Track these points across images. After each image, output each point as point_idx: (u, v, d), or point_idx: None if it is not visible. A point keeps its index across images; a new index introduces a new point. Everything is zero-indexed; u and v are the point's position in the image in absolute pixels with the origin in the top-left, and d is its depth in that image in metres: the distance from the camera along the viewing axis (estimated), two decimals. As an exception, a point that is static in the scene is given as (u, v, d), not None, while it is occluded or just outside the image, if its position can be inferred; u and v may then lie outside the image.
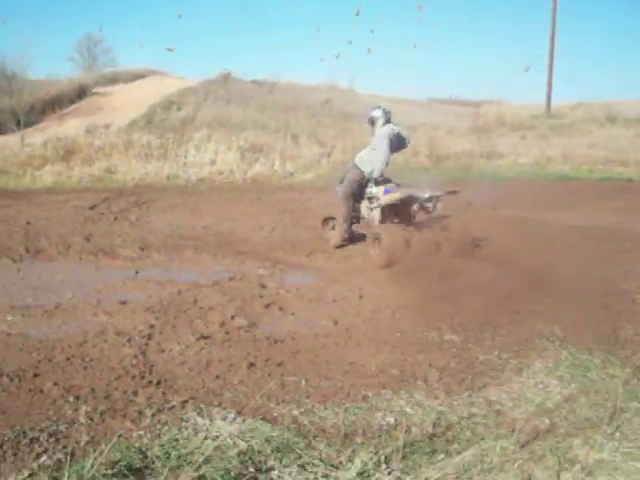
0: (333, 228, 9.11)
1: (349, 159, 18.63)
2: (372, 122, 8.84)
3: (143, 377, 4.37)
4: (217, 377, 4.39)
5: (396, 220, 8.39)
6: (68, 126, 24.01)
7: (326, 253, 8.53)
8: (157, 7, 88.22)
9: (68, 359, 4.72)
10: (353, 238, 8.94)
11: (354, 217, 8.87)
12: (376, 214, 8.41)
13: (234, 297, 6.35)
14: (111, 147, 18.32)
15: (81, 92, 35.22)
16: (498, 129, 26.84)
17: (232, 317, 5.71)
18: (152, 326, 5.44)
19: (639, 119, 28.10)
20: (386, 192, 8.35)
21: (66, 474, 2.94)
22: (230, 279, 7.07)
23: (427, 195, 8.28)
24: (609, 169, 18.91)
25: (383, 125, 8.62)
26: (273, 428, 3.53)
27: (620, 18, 77.00)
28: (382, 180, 8.56)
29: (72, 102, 33.63)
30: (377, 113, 8.79)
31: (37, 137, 21.60)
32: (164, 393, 4.08)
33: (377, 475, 2.96)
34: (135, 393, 4.08)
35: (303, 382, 4.33)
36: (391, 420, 3.70)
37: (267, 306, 6.12)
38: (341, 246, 8.77)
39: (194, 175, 15.91)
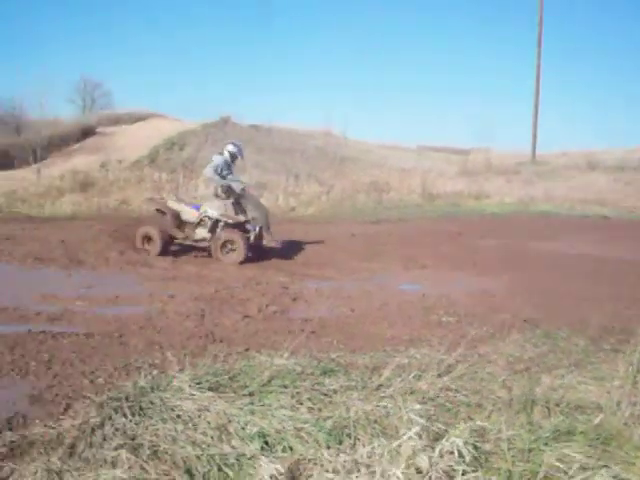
0: None
1: (348, 197, 20.09)
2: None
3: (207, 337, 5.60)
4: (265, 339, 5.60)
5: None
6: (74, 163, 25.27)
7: (335, 267, 9.75)
8: (155, 51, 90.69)
9: (141, 327, 5.93)
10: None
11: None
12: None
13: (265, 293, 7.57)
14: (125, 181, 19.62)
15: (85, 132, 36.88)
16: (485, 173, 28.36)
17: (266, 305, 6.93)
18: (203, 310, 6.64)
19: (617, 166, 29.76)
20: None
21: (174, 381, 4.11)
22: (257, 283, 8.25)
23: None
24: (587, 208, 20.37)
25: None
26: (319, 362, 4.73)
27: (601, 73, 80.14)
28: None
29: (77, 141, 35.22)
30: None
31: (45, 172, 22.81)
32: (228, 346, 5.27)
33: (399, 381, 4.13)
34: (205, 347, 5.28)
35: (334, 342, 5.56)
36: (405, 361, 4.89)
37: (294, 299, 7.34)
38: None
39: (205, 205, 17.18)
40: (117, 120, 40.00)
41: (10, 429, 3.64)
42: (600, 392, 4.34)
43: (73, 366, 4.77)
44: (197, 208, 10.55)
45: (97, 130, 37.49)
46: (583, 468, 3.05)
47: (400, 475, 2.58)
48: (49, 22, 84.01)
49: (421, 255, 11.08)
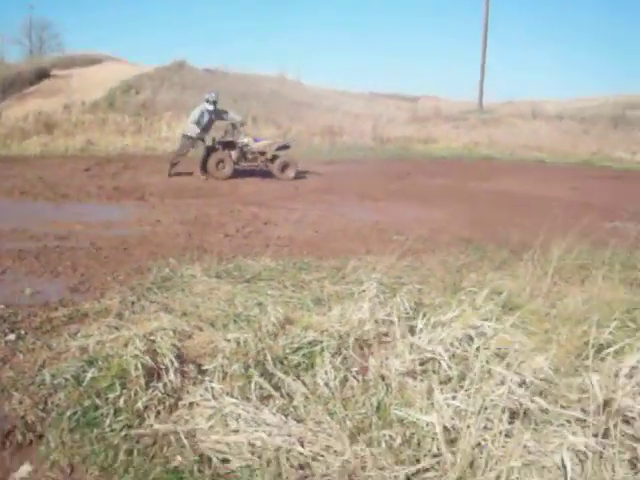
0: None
1: (304, 138, 21.11)
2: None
3: (199, 249, 6.74)
4: (247, 250, 6.76)
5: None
6: (31, 105, 25.57)
7: (297, 199, 10.93)
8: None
9: (140, 243, 7.04)
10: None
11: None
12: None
13: (239, 219, 8.71)
14: (89, 122, 20.33)
15: (40, 74, 36.78)
16: (434, 120, 29.69)
17: (243, 227, 8.09)
18: (189, 231, 7.75)
19: (558, 115, 31.41)
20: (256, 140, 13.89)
21: (188, 271, 5.27)
22: (231, 211, 9.37)
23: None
24: (527, 153, 21.90)
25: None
26: (295, 263, 5.94)
27: (548, 23, 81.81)
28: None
29: (31, 84, 35.19)
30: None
31: (3, 114, 23.13)
32: (218, 255, 6.43)
33: (358, 272, 5.36)
34: (199, 255, 6.40)
35: (304, 252, 6.76)
36: (360, 263, 6.10)
37: (265, 224, 8.50)
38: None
39: (170, 148, 17.99)
40: (72, 63, 39.87)
41: (64, 306, 4.77)
42: (513, 284, 5.64)
43: (94, 269, 5.89)
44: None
45: (52, 73, 37.39)
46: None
47: (366, 307, 3.81)
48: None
49: (373, 191, 12.30)
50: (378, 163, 17.95)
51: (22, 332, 4.29)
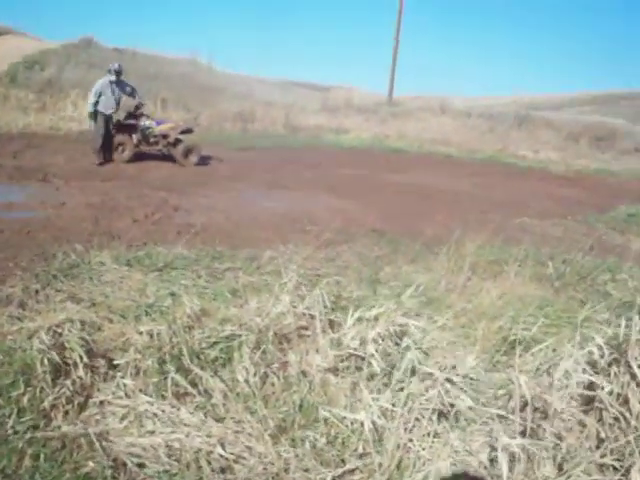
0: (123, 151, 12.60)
1: (215, 124, 20.75)
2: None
3: (106, 235, 6.46)
4: (157, 237, 6.53)
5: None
6: None
7: (208, 186, 10.68)
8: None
9: (44, 227, 6.68)
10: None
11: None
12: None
13: (148, 204, 8.40)
14: (-12, 98, 19.30)
15: None
16: (345, 110, 29.85)
17: (152, 213, 7.81)
18: (95, 215, 7.42)
19: (465, 112, 32.21)
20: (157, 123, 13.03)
21: (96, 258, 5.01)
22: (139, 196, 9.04)
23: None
24: (434, 147, 22.31)
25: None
26: (208, 252, 5.77)
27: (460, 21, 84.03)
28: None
29: None
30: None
31: None
32: (127, 241, 6.17)
33: (273, 264, 5.25)
34: (107, 242, 6.13)
35: (217, 241, 6.58)
36: (275, 254, 6.01)
37: (175, 210, 8.24)
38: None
39: (75, 127, 17.27)
40: (-30, 34, 37.69)
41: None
42: (428, 277, 5.68)
43: (-6, 253, 5.52)
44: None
45: (-55, 44, 35.17)
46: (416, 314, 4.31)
47: (286, 300, 3.70)
48: None
49: (286, 179, 12.18)
50: (289, 151, 17.81)
51: None
